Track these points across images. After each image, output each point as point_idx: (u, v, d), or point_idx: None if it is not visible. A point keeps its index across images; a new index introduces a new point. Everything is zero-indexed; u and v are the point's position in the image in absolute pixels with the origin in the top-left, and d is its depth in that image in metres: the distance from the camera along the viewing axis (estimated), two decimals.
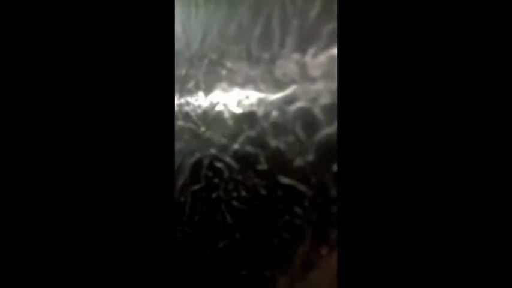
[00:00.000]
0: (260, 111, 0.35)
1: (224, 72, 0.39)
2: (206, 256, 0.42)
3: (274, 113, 0.33)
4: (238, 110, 0.37)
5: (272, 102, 0.33)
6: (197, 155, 0.43)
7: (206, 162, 0.42)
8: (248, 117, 0.36)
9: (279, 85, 0.32)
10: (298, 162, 0.30)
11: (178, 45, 0.47)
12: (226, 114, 0.38)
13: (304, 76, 0.30)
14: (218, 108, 0.40)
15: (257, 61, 0.34)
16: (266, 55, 0.33)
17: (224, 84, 0.39)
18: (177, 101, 0.47)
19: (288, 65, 0.31)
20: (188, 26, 0.45)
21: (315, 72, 0.29)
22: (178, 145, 0.46)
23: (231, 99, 0.38)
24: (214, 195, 0.40)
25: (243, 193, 0.36)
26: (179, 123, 0.47)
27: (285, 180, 0.32)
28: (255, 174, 0.35)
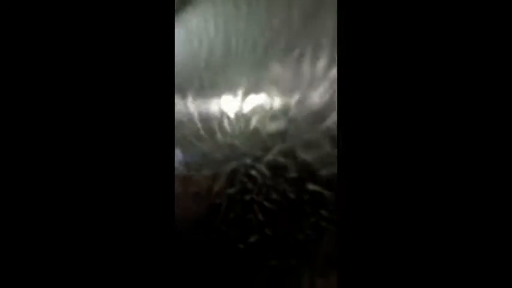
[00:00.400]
0: (291, 129, 0.43)
1: (263, 97, 0.47)
2: (239, 249, 0.49)
3: (304, 131, 0.41)
4: (272, 127, 0.45)
5: (302, 122, 0.41)
6: (233, 164, 0.51)
7: (242, 170, 0.49)
8: (281, 134, 0.43)
9: (309, 108, 0.40)
10: (325, 172, 0.38)
11: (218, 68, 0.55)
12: (262, 131, 0.46)
13: (332, 104, 0.38)
14: (254, 124, 0.48)
15: (292, 90, 0.42)
16: (300, 86, 0.41)
17: (261, 107, 0.47)
18: (217, 116, 0.55)
19: (318, 94, 0.39)
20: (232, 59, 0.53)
21: None
22: (216, 154, 0.54)
23: (266, 118, 0.46)
24: (248, 197, 0.48)
25: (274, 196, 0.44)
26: (218, 136, 0.54)
27: (312, 187, 0.39)
28: (285, 181, 0.43)
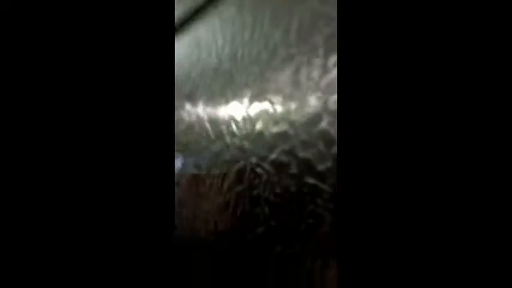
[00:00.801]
0: (291, 131, 0.48)
1: (266, 104, 0.53)
2: (247, 240, 0.55)
3: (303, 132, 0.47)
4: (275, 130, 0.51)
5: (301, 125, 0.47)
6: (242, 163, 0.57)
7: (249, 168, 0.55)
8: (283, 135, 0.49)
9: (306, 113, 0.46)
10: (320, 167, 0.43)
11: (226, 77, 0.61)
12: (266, 133, 0.52)
13: (326, 109, 0.43)
14: (259, 128, 0.54)
15: (291, 97, 0.48)
16: (298, 94, 0.47)
17: (266, 112, 0.53)
18: (225, 122, 0.61)
19: (313, 101, 0.45)
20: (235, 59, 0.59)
21: (332, 106, 0.42)
22: (226, 156, 0.60)
23: (270, 122, 0.52)
24: (255, 192, 0.54)
25: (278, 190, 0.49)
26: (227, 140, 0.60)
27: (310, 180, 0.45)
28: (288, 177, 0.48)
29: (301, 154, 0.46)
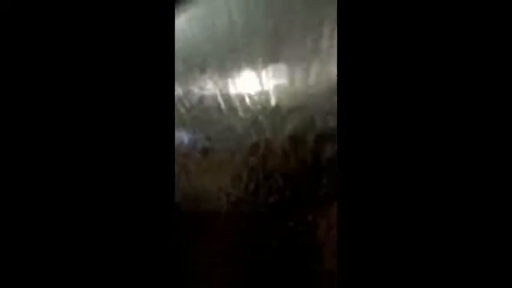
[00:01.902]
0: (310, 103, 0.48)
1: (283, 76, 0.52)
2: (259, 212, 0.55)
3: (322, 103, 0.46)
4: (291, 103, 0.50)
5: (320, 96, 0.47)
6: (254, 138, 0.57)
7: (263, 142, 0.55)
8: (300, 108, 0.49)
9: (326, 81, 0.45)
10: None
11: (239, 48, 0.60)
12: (283, 108, 0.52)
13: None
14: (275, 100, 0.53)
15: (309, 68, 0.47)
16: (316, 63, 0.46)
17: (281, 84, 0.52)
18: (238, 96, 0.60)
19: (333, 68, 0.44)
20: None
21: None
22: (239, 131, 0.60)
23: (286, 94, 0.51)
24: (268, 166, 0.54)
25: (293, 164, 0.50)
26: (240, 114, 0.60)
27: (329, 153, 0.45)
28: (303, 150, 0.48)
29: (320, 126, 0.46)
